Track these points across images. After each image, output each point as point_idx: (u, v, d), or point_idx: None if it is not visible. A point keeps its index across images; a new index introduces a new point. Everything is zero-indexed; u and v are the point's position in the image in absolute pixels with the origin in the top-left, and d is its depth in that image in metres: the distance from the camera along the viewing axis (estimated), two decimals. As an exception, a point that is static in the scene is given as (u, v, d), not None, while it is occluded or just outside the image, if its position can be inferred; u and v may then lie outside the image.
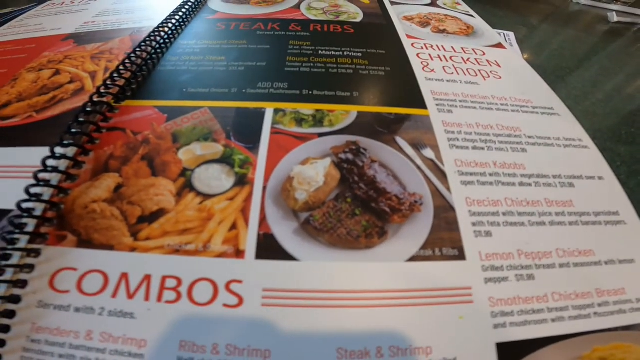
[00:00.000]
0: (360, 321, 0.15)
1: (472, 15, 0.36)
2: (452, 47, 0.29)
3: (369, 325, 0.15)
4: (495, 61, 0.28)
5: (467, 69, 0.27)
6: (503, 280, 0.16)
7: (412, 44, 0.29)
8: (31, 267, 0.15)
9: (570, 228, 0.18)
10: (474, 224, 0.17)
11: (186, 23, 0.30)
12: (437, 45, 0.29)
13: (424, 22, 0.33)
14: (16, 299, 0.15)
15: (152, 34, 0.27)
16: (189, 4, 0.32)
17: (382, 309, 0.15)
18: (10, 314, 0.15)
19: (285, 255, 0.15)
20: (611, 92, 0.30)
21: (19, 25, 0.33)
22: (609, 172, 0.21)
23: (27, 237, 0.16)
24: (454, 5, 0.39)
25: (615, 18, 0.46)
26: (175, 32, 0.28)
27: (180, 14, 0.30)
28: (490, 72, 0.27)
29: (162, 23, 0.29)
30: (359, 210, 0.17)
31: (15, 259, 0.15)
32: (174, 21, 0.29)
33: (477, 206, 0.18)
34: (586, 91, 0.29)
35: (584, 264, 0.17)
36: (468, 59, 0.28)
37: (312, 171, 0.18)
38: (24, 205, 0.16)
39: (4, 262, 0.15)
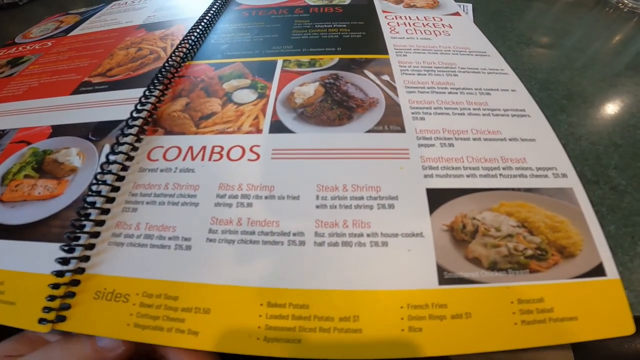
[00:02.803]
0: (333, 168, 0.21)
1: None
2: (417, 17, 0.36)
3: (338, 170, 0.21)
4: (449, 24, 0.35)
5: (424, 30, 0.34)
6: (431, 146, 0.22)
7: (385, 16, 0.36)
8: (136, 149, 0.23)
9: (483, 117, 0.24)
10: (412, 113, 0.24)
11: (220, 13, 0.39)
12: (404, 16, 0.36)
13: (399, 1, 0.40)
14: (125, 168, 0.22)
15: (198, 22, 0.36)
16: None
17: (347, 160, 0.21)
18: (121, 178, 0.22)
19: (287, 130, 0.23)
20: (545, 44, 0.35)
21: (99, 21, 0.43)
22: (522, 88, 0.27)
23: (136, 129, 0.24)
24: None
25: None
26: (213, 19, 0.37)
27: (215, 7, 0.39)
28: (442, 31, 0.34)
29: (204, 14, 0.37)
30: (335, 106, 0.24)
31: (130, 140, 0.24)
32: (211, 12, 0.38)
33: (416, 104, 0.25)
34: (521, 42, 0.35)
35: (492, 139, 0.22)
36: (427, 24, 0.35)
37: (306, 88, 0.26)
38: (134, 114, 0.25)
39: (122, 142, 0.23)
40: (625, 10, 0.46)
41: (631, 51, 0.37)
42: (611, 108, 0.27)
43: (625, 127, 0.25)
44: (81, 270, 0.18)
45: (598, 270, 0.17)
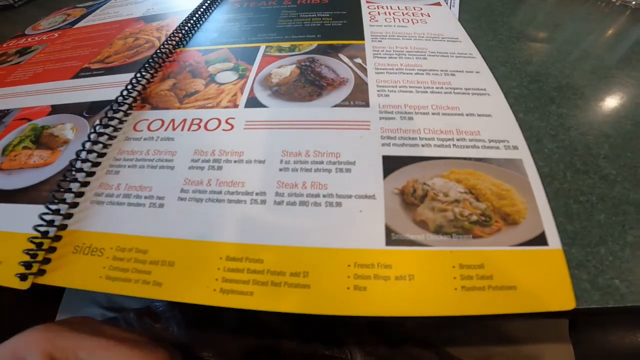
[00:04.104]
0: (298, 137, 0.22)
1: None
2: (398, 6, 0.38)
3: (303, 139, 0.22)
4: (428, 13, 0.36)
5: (402, 19, 0.35)
6: (391, 119, 0.23)
7: (368, 6, 0.38)
8: (124, 122, 0.26)
9: (445, 95, 0.25)
10: (378, 91, 0.25)
11: (214, 5, 0.41)
12: (386, 6, 0.38)
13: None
14: (113, 137, 0.24)
15: (191, 14, 0.38)
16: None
17: (312, 130, 0.23)
18: (107, 146, 0.24)
19: (261, 105, 0.25)
20: (536, 38, 0.36)
21: (102, 14, 0.46)
22: (487, 70, 0.28)
23: (125, 106, 0.27)
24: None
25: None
26: (207, 11, 0.40)
27: (209, 1, 0.41)
28: (420, 20, 0.35)
29: (197, 7, 0.40)
30: (307, 85, 0.26)
31: (119, 115, 0.26)
32: (205, 5, 0.40)
33: (383, 83, 0.26)
34: (512, 36, 0.36)
35: (450, 114, 0.23)
36: (406, 13, 0.36)
37: (283, 70, 0.28)
38: (124, 93, 0.27)
39: (111, 116, 0.25)
40: (618, 3, 0.46)
41: (623, 44, 0.37)
42: (602, 99, 0.27)
43: (615, 118, 0.25)
44: (64, 227, 0.20)
45: (540, 239, 0.17)
